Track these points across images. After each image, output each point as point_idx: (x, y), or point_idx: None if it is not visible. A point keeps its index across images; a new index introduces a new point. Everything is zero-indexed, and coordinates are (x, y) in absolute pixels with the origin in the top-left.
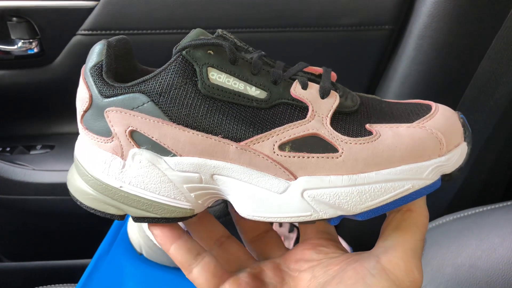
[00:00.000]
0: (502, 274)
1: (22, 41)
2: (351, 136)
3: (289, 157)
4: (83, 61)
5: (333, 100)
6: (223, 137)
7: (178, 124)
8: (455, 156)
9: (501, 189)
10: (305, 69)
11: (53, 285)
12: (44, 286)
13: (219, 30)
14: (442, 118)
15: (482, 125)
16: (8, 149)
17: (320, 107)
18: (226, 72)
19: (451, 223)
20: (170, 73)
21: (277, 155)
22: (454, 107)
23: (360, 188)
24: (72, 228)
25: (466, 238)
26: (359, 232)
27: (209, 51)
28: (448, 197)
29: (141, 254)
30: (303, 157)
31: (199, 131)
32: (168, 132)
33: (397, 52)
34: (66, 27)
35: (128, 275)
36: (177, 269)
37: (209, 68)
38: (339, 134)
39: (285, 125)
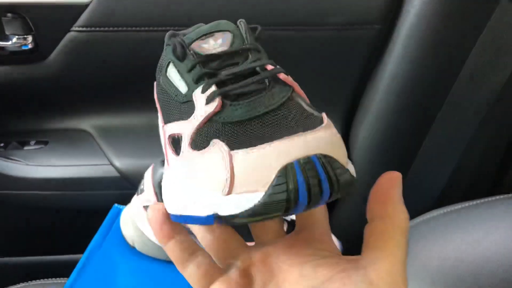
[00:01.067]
0: (486, 267)
1: (17, 37)
2: (191, 148)
3: (167, 147)
4: (77, 57)
5: (210, 108)
6: (161, 118)
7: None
8: (236, 202)
9: (487, 185)
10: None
11: (44, 279)
12: (36, 281)
13: (240, 21)
14: (265, 155)
15: (468, 122)
16: (1, 144)
17: (200, 112)
18: (175, 67)
19: (438, 217)
20: (159, 61)
21: (166, 143)
22: (440, 104)
23: (164, 196)
24: (65, 223)
25: (452, 232)
26: (349, 227)
27: None
28: (435, 193)
29: (133, 248)
30: (168, 151)
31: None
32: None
33: (385, 51)
34: (61, 23)
35: (120, 268)
36: (169, 263)
37: (170, 64)
38: (185, 144)
39: (176, 121)
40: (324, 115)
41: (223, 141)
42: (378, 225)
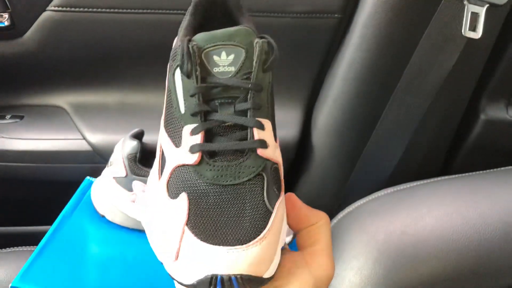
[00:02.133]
0: (427, 239)
1: None
2: (167, 190)
3: (157, 155)
4: (53, 36)
5: (191, 159)
6: (164, 114)
7: None
8: (177, 272)
9: (437, 167)
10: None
11: (16, 247)
12: (7, 249)
13: (256, 43)
14: (203, 257)
15: (417, 107)
16: None
17: (183, 155)
18: (182, 78)
19: (387, 195)
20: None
21: (158, 149)
22: (392, 90)
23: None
24: (38, 195)
25: (398, 208)
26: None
27: None
28: (386, 174)
29: (103, 217)
30: (155, 165)
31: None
32: None
33: (344, 40)
34: (36, 2)
35: (90, 236)
36: (137, 231)
37: (178, 68)
38: (164, 179)
39: (170, 136)
40: (277, 207)
41: (188, 198)
42: (307, 231)
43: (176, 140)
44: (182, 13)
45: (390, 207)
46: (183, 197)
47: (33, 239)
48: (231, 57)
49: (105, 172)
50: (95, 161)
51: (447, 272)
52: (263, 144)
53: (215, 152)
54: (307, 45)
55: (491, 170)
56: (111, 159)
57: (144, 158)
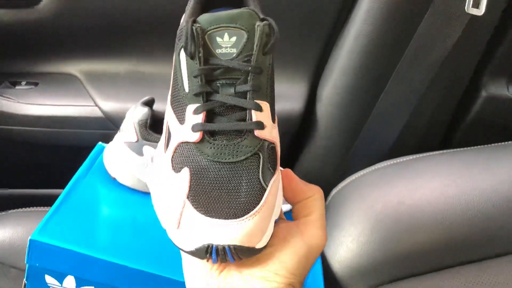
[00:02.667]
0: (423, 209)
1: None
2: (171, 164)
3: (164, 131)
4: (68, 5)
5: (193, 137)
6: (171, 91)
7: None
8: (179, 240)
9: (436, 141)
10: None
11: (30, 208)
12: (21, 209)
13: (258, 25)
14: (201, 228)
15: (420, 81)
16: None
17: (186, 133)
18: (186, 58)
19: (386, 167)
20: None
21: (165, 125)
22: (395, 63)
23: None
24: (52, 159)
25: (396, 179)
26: (310, 173)
27: None
28: (386, 146)
29: (114, 179)
30: (162, 139)
31: (171, 79)
32: None
33: (352, 12)
34: None
35: (102, 197)
36: (146, 193)
37: (183, 49)
38: (169, 153)
39: (175, 112)
40: (271, 184)
41: (190, 173)
42: (302, 203)
43: (181, 117)
44: None
45: (389, 178)
46: (186, 172)
47: (46, 201)
48: (233, 39)
49: (116, 137)
50: (106, 127)
51: (441, 240)
52: (260, 125)
53: (216, 131)
54: (314, 18)
55: (488, 145)
56: (122, 126)
57: (154, 124)
